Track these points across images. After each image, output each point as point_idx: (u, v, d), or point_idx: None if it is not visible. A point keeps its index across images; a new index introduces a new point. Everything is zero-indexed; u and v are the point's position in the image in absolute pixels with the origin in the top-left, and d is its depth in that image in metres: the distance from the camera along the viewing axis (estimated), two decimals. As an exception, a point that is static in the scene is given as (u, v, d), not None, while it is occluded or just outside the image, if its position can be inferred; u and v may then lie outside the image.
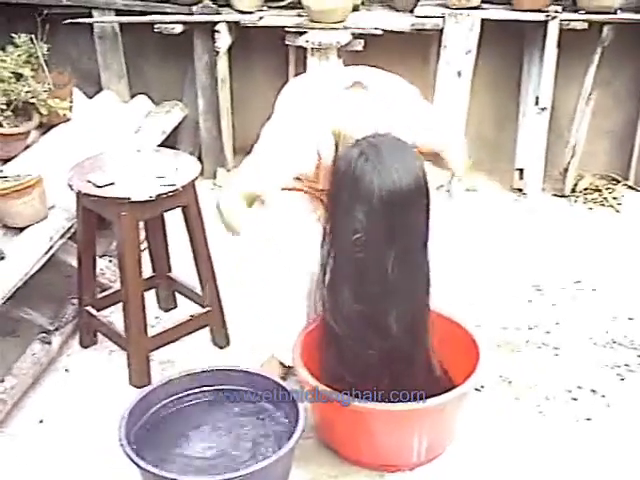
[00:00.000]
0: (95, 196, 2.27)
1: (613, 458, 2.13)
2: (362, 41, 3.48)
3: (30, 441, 2.20)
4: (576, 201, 3.68)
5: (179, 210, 2.42)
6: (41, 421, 2.28)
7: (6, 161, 2.77)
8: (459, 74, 3.46)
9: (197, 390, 2.12)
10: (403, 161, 1.81)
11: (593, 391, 2.39)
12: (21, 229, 2.48)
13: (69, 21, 3.59)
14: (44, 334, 2.48)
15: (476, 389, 2.35)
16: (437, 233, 2.08)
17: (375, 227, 1.81)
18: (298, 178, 2.14)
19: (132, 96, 3.79)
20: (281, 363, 2.35)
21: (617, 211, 3.59)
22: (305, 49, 3.47)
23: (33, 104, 2.89)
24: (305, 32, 3.46)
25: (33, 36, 3.06)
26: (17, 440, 2.20)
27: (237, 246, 2.59)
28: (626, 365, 2.51)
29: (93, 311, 2.52)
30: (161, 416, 2.05)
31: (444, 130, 2.21)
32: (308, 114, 2.05)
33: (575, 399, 2.36)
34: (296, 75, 3.73)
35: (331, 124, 2.00)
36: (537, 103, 3.55)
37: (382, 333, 1.94)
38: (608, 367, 2.50)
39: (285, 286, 2.20)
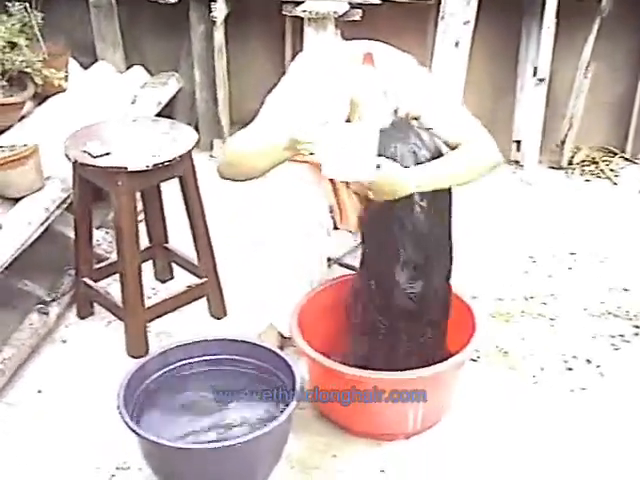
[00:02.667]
0: (91, 166, 2.26)
1: (608, 428, 2.15)
2: (360, 11, 3.44)
3: (29, 411, 2.21)
4: (573, 173, 3.68)
5: (175, 181, 2.41)
6: (39, 391, 2.29)
7: (1, 132, 2.75)
8: (457, 44, 3.43)
9: (194, 360, 2.11)
10: None
11: (588, 361, 2.41)
12: (17, 199, 2.47)
13: (64, -10, 3.55)
14: (41, 305, 2.49)
15: (472, 359, 2.36)
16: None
17: None
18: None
19: (128, 67, 3.76)
20: (279, 333, 2.36)
21: (614, 183, 3.59)
22: (302, 19, 3.44)
23: (28, 74, 2.86)
24: (302, 2, 3.43)
25: (27, 5, 3.02)
26: (16, 410, 2.22)
27: (232, 208, 2.60)
28: (621, 335, 2.53)
29: (90, 282, 2.52)
30: (158, 385, 2.05)
31: (458, 124, 2.13)
32: (323, 83, 2.05)
33: (570, 369, 2.38)
34: (293, 46, 3.72)
35: (348, 95, 1.99)
36: (535, 74, 3.53)
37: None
38: (603, 337, 2.52)
39: (284, 255, 2.20)
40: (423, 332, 2.10)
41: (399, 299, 2.03)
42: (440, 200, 2.03)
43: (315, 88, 2.06)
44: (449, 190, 2.05)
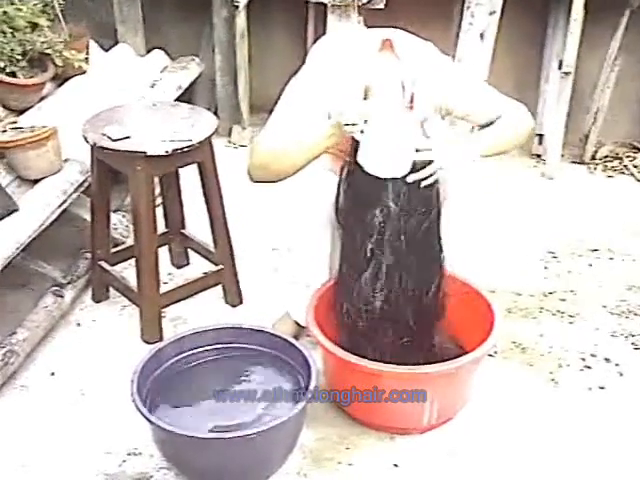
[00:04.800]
0: (110, 149, 2.24)
1: (626, 428, 2.11)
2: (384, -2, 3.41)
3: (42, 393, 2.21)
4: (595, 168, 3.63)
5: (194, 167, 2.39)
6: (52, 374, 2.28)
7: (21, 112, 2.74)
8: (482, 36, 3.38)
9: (209, 347, 2.10)
10: None
11: (607, 360, 2.37)
12: (35, 181, 2.46)
13: (85, -29, 3.54)
14: (57, 287, 2.48)
15: (489, 355, 2.34)
16: (454, 198, 2.06)
17: None
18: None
19: (148, 50, 3.74)
20: (295, 322, 2.34)
21: (637, 179, 3.54)
22: (325, 6, 3.40)
23: (49, 55, 2.84)
24: (326, -12, 3.39)
25: (49, -15, 3.00)
26: (29, 392, 2.21)
27: (250, 195, 2.59)
28: (641, 335, 2.49)
29: (106, 266, 2.51)
30: (173, 372, 2.04)
31: (485, 100, 2.16)
32: (342, 69, 2.02)
33: (589, 367, 2.34)
34: (315, 33, 3.69)
35: (363, 81, 1.96)
36: (560, 67, 3.48)
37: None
38: (622, 336, 2.48)
39: (302, 243, 2.18)
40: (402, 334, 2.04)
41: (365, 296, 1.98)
42: (419, 203, 1.93)
43: (334, 74, 2.03)
44: (432, 194, 1.95)
